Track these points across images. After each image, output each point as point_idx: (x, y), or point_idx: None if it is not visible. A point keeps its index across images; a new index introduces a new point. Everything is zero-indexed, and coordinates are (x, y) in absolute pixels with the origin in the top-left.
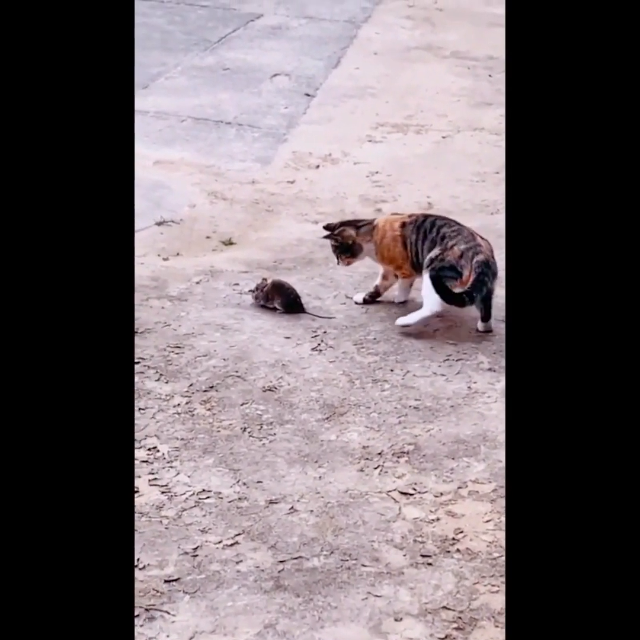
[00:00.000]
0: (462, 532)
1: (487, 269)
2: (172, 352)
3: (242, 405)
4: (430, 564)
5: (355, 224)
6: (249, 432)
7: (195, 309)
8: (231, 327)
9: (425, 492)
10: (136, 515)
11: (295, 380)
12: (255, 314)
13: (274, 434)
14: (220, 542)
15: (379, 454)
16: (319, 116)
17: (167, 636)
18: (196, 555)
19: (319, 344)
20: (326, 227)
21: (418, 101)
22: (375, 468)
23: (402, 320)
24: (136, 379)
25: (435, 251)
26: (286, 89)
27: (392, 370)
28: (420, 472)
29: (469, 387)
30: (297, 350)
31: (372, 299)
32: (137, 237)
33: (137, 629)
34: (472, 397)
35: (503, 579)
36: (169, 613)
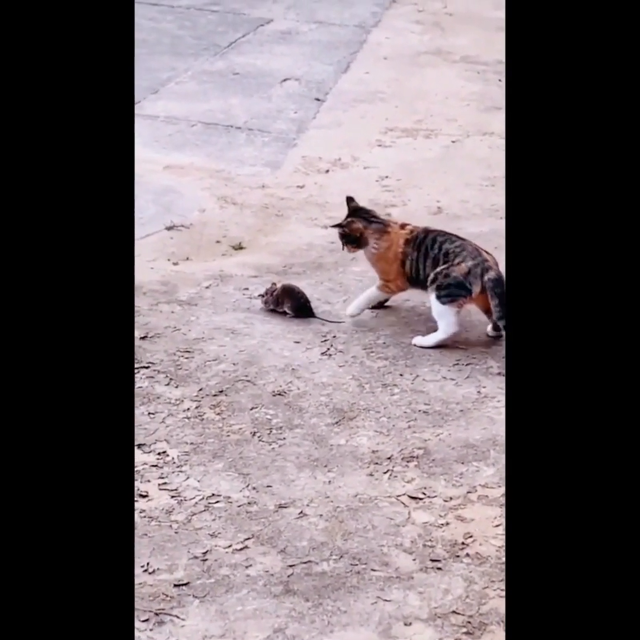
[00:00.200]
0: (471, 536)
1: (501, 288)
2: (182, 356)
3: (251, 409)
4: (439, 569)
5: (367, 216)
6: (258, 437)
7: (205, 313)
8: (241, 332)
9: (435, 496)
10: (146, 519)
11: (304, 384)
12: (265, 319)
13: (284, 438)
14: (229, 546)
15: (389, 458)
16: (329, 121)
17: None
18: (206, 560)
19: (328, 349)
20: (337, 225)
21: (428, 106)
22: (385, 472)
23: (418, 341)
24: (146, 383)
25: (440, 268)
26: (296, 94)
27: (401, 375)
28: (430, 477)
29: (478, 392)
30: (307, 354)
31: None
32: (147, 241)
33: (146, 634)
34: (481, 401)
35: None
36: (178, 617)
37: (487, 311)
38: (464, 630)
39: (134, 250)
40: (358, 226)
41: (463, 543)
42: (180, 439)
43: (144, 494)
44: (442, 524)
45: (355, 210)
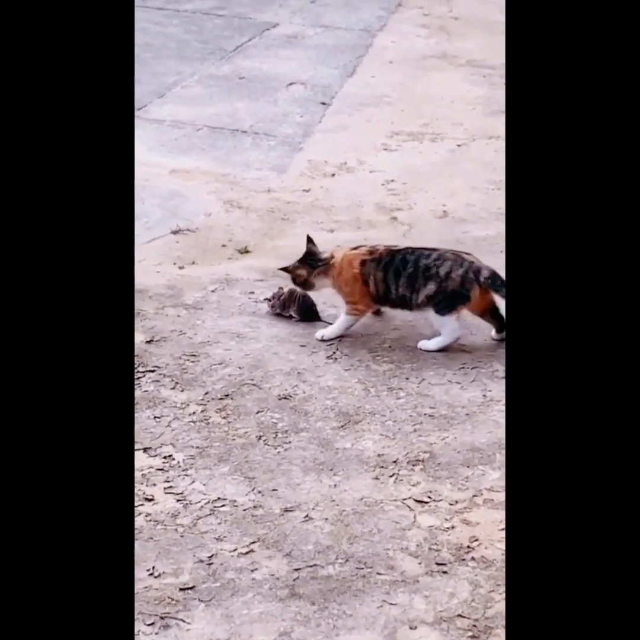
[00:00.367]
0: (477, 540)
1: (500, 279)
2: (188, 360)
3: (257, 413)
4: (445, 572)
5: (312, 262)
6: (264, 440)
7: (211, 317)
8: (246, 336)
9: (441, 500)
10: (152, 523)
11: (310, 388)
12: (270, 323)
13: (289, 442)
14: (235, 550)
15: (394, 462)
16: (335, 125)
17: None
18: (211, 563)
19: (334, 352)
20: (283, 269)
21: (433, 109)
22: (391, 476)
23: (424, 344)
24: (151, 387)
25: (431, 287)
26: (302, 98)
27: (407, 379)
28: (436, 480)
29: (484, 395)
30: (312, 358)
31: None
32: (153, 245)
33: (151, 637)
34: (487, 405)
35: None
36: (184, 621)
37: (485, 313)
38: (470, 633)
39: (134, 253)
40: (301, 273)
41: (469, 547)
42: (186, 442)
43: (150, 497)
44: (447, 528)
45: (306, 255)
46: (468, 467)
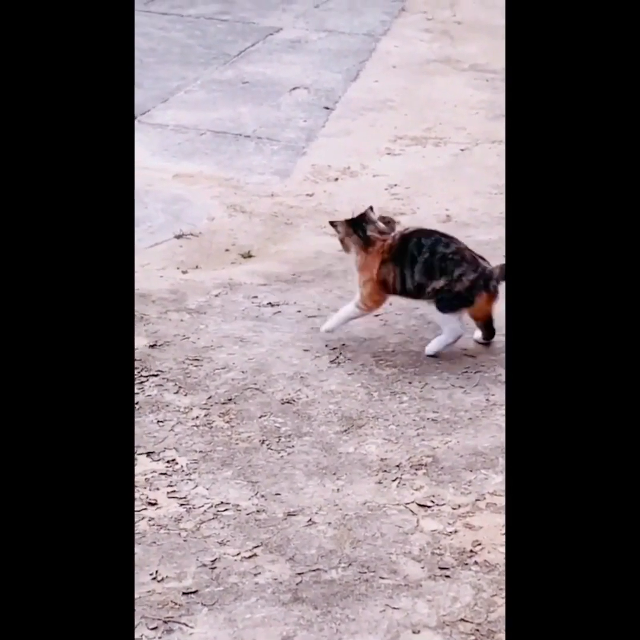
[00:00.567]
0: (480, 544)
1: None
2: (191, 364)
3: (260, 417)
4: (448, 576)
5: (358, 227)
6: (267, 445)
7: (214, 321)
8: (250, 340)
9: (443, 504)
10: (155, 527)
11: (313, 392)
12: (274, 327)
13: (292, 446)
14: (238, 554)
15: (397, 466)
16: (338, 129)
17: None
18: (214, 568)
19: (337, 357)
20: (332, 222)
21: (437, 114)
22: (394, 480)
23: (428, 348)
24: (155, 391)
25: (441, 282)
26: (305, 102)
27: (410, 383)
28: (439, 485)
29: (487, 399)
30: (316, 362)
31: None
32: (156, 250)
33: None
34: (490, 409)
35: None
36: (187, 625)
37: (481, 320)
38: (472, 638)
39: (134, 257)
40: (338, 231)
41: (471, 551)
42: (189, 447)
43: (153, 502)
44: (450, 532)
45: (360, 217)
46: (471, 471)
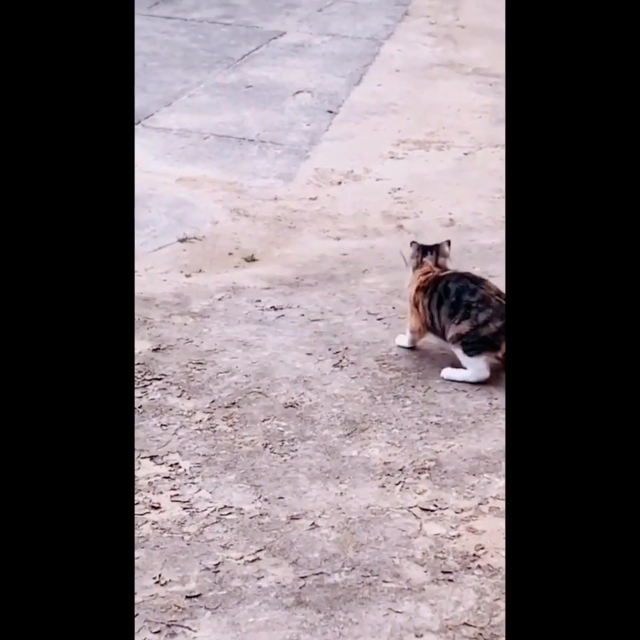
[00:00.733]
0: (483, 548)
1: None
2: (194, 368)
3: (263, 421)
4: (451, 580)
5: (426, 252)
6: (270, 448)
7: (218, 325)
8: (253, 344)
9: (447, 508)
10: (158, 531)
11: (316, 396)
12: (277, 331)
13: (296, 450)
14: (241, 558)
15: (400, 470)
16: (341, 133)
17: None
18: (218, 571)
19: (340, 360)
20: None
21: (440, 118)
22: (397, 484)
23: (448, 374)
24: (158, 395)
25: (465, 326)
26: (309, 106)
27: (413, 387)
28: (442, 488)
29: (490, 403)
30: (319, 366)
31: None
32: (160, 253)
33: None
34: (493, 413)
35: None
36: (190, 629)
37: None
38: None
39: (134, 261)
40: (410, 251)
41: (474, 555)
42: (192, 450)
43: (156, 505)
44: (453, 536)
45: (432, 246)
46: (474, 475)
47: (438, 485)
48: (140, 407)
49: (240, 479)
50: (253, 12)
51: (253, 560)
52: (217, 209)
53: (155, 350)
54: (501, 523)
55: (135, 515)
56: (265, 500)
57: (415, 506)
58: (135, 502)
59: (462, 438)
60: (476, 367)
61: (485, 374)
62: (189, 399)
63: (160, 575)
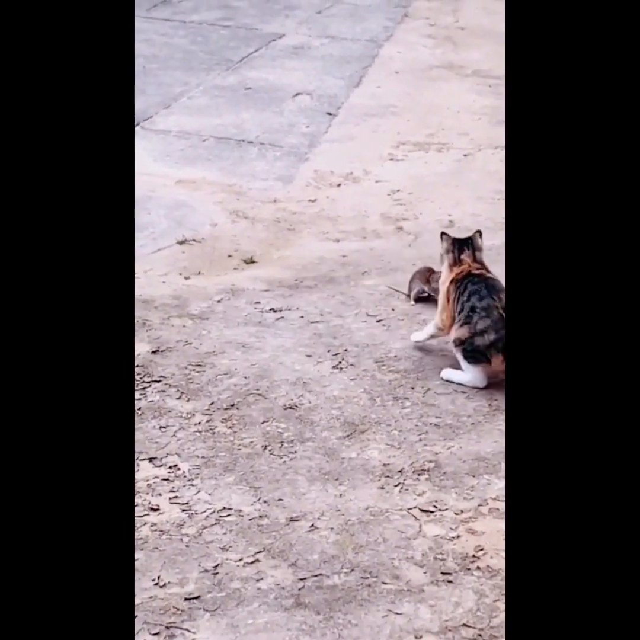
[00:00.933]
0: (482, 549)
1: None
2: (194, 370)
3: (263, 423)
4: (450, 582)
5: (458, 247)
6: (269, 450)
7: (217, 327)
8: (252, 346)
9: (446, 509)
10: (157, 533)
11: (316, 398)
12: (276, 333)
13: (295, 451)
14: (240, 559)
15: (400, 471)
16: (341, 135)
17: None
18: (217, 573)
19: (339, 362)
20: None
21: (439, 119)
22: (396, 485)
23: (447, 375)
24: (157, 397)
25: (464, 332)
26: (308, 108)
27: (412, 388)
28: (441, 490)
29: (489, 405)
30: (318, 368)
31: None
32: (159, 255)
33: None
34: (493, 414)
35: None
36: (189, 631)
37: (492, 377)
38: None
39: (134, 263)
40: (444, 245)
41: (474, 556)
42: (191, 452)
43: (155, 507)
44: (453, 537)
45: (465, 238)
46: (473, 476)
47: (437, 486)
48: (139, 409)
49: (239, 481)
50: (252, 14)
51: (252, 562)
52: (216, 211)
53: (154, 352)
54: (500, 524)
55: (134, 517)
56: (265, 502)
57: (415, 507)
58: (134, 504)
59: (461, 439)
60: (473, 374)
61: (482, 382)
62: (188, 400)
63: (159, 577)
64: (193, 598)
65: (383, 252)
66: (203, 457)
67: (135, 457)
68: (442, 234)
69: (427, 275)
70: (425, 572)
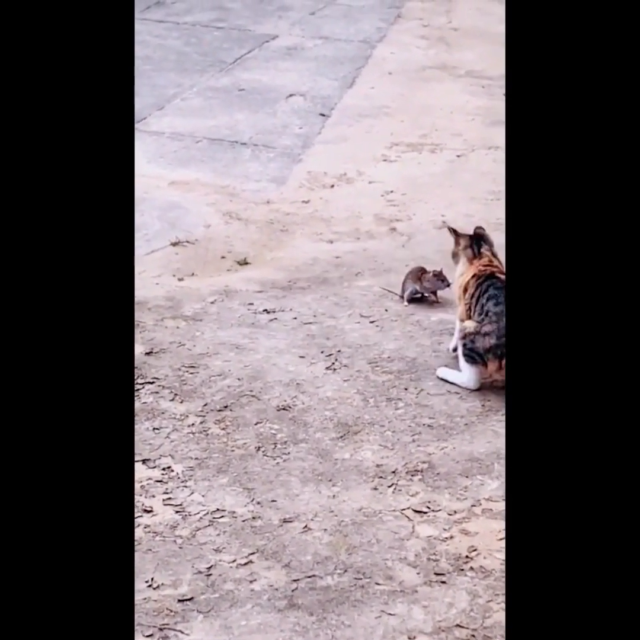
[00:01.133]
0: (475, 550)
1: None
2: (187, 372)
3: (256, 424)
4: (443, 582)
5: (477, 243)
6: (263, 451)
7: (210, 328)
8: (246, 347)
9: (439, 510)
10: (150, 534)
11: (309, 399)
12: (269, 334)
13: (288, 453)
14: (234, 561)
15: (393, 472)
16: (334, 136)
17: None
18: (210, 575)
19: (333, 363)
20: (452, 229)
21: (433, 120)
22: (389, 486)
23: (442, 373)
24: (150, 398)
25: (471, 326)
26: (301, 109)
27: (406, 389)
28: (434, 490)
29: (483, 405)
30: (312, 369)
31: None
32: (153, 257)
33: None
34: (486, 414)
35: None
36: (182, 632)
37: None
38: None
39: (134, 265)
40: (458, 242)
41: (467, 556)
42: (184, 454)
43: (149, 509)
44: (446, 538)
45: (478, 234)
46: (467, 477)
47: (431, 487)
48: None
49: (232, 482)
50: (245, 15)
51: (245, 564)
52: (209, 212)
53: (147, 353)
54: (494, 525)
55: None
56: (258, 503)
57: (408, 508)
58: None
59: (454, 440)
60: (469, 374)
61: (475, 384)
62: (181, 402)
63: (152, 579)
64: (186, 599)
65: (376, 253)
66: (196, 458)
67: None
68: (451, 229)
69: (419, 275)
70: (418, 573)
